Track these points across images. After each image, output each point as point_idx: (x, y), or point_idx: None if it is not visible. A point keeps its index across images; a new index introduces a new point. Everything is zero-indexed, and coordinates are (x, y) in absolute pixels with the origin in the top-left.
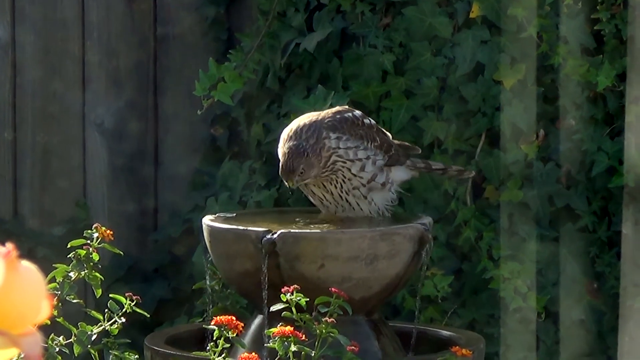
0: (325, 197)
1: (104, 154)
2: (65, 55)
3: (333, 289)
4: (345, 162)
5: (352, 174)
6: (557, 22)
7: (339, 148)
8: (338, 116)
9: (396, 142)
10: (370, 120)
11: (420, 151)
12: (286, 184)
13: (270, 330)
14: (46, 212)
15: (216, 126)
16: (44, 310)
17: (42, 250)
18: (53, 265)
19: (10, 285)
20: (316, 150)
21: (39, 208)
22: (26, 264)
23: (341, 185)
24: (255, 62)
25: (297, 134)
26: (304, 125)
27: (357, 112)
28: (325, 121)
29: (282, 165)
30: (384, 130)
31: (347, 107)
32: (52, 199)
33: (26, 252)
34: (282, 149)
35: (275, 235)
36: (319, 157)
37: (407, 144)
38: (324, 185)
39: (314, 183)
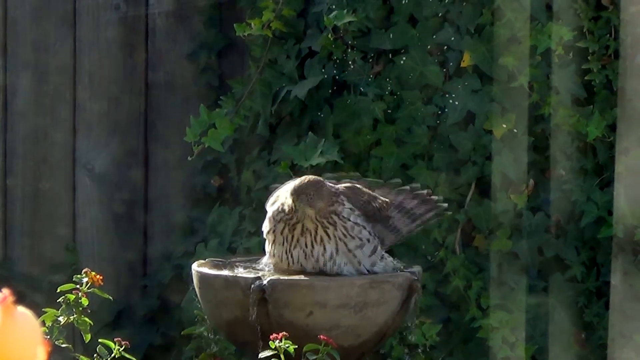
0: (305, 245)
1: (95, 199)
2: (58, 101)
3: (322, 337)
4: (346, 236)
5: (347, 249)
6: (548, 72)
7: (349, 220)
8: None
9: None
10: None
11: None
12: (290, 202)
13: None
14: (36, 257)
15: (215, 177)
16: (39, 356)
17: (31, 294)
18: (42, 309)
19: (6, 330)
20: (331, 197)
21: (29, 252)
22: (22, 309)
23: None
24: (246, 109)
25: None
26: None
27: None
28: (341, 189)
29: (293, 187)
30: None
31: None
32: (42, 244)
33: (15, 296)
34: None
35: (264, 282)
36: (329, 201)
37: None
38: (316, 234)
39: (307, 227)
